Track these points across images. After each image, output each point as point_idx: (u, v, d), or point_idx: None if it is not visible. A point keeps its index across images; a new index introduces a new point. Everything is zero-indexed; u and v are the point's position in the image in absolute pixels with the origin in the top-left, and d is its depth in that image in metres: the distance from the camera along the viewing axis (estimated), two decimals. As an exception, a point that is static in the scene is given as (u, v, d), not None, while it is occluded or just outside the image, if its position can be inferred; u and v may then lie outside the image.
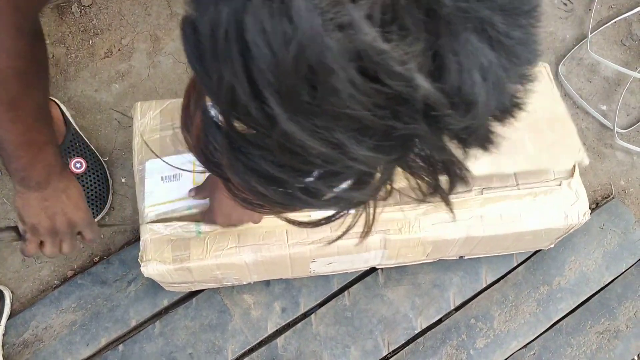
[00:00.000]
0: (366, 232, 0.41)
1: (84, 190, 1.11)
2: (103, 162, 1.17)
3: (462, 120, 0.31)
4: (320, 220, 0.39)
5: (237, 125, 0.33)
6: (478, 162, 0.35)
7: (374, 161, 0.32)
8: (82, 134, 1.18)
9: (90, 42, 1.28)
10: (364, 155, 0.31)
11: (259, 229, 0.92)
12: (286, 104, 0.29)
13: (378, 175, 0.35)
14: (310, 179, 0.34)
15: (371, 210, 0.39)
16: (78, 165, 1.13)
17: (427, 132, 0.31)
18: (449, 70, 0.30)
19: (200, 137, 0.36)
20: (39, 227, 0.83)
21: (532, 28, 0.32)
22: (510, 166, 0.94)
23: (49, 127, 0.79)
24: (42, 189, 0.81)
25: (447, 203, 0.39)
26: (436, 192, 0.38)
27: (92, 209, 1.12)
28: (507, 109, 0.34)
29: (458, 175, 0.36)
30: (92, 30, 1.29)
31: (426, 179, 0.36)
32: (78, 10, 1.29)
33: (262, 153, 0.33)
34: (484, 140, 0.35)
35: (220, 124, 0.34)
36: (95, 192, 1.14)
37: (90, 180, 1.13)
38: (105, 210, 1.14)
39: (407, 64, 0.28)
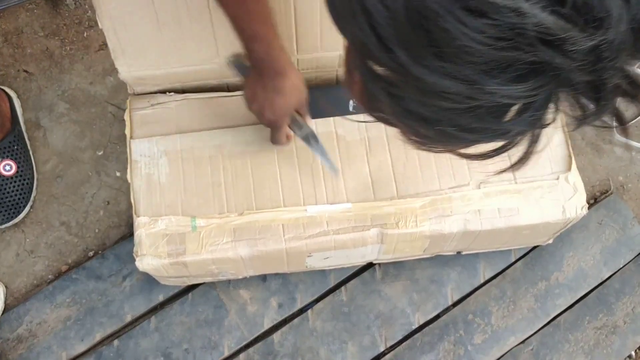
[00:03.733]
0: (522, 159, 0.41)
1: (3, 194, 1.10)
2: (35, 175, 1.15)
3: (591, 38, 0.30)
4: (489, 152, 0.40)
5: (384, 72, 0.36)
6: None
7: (511, 92, 0.33)
8: (26, 139, 1.16)
9: (85, 34, 1.26)
10: (498, 88, 0.32)
11: (254, 223, 0.91)
12: (409, 51, 0.32)
13: (536, 104, 0.35)
14: (460, 117, 0.35)
15: (536, 138, 0.39)
16: (7, 167, 1.10)
17: (554, 56, 0.31)
18: None
19: (363, 90, 0.40)
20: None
21: None
22: None
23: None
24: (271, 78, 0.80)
25: (622, 123, 0.40)
26: (600, 114, 0.38)
27: (2, 215, 1.10)
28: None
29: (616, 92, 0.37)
30: (87, 23, 1.27)
31: (584, 101, 0.36)
32: (72, 3, 1.28)
33: (413, 96, 0.35)
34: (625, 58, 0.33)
35: (377, 75, 0.37)
36: (13, 199, 1.11)
37: (14, 187, 1.11)
38: (14, 221, 1.11)
39: None
